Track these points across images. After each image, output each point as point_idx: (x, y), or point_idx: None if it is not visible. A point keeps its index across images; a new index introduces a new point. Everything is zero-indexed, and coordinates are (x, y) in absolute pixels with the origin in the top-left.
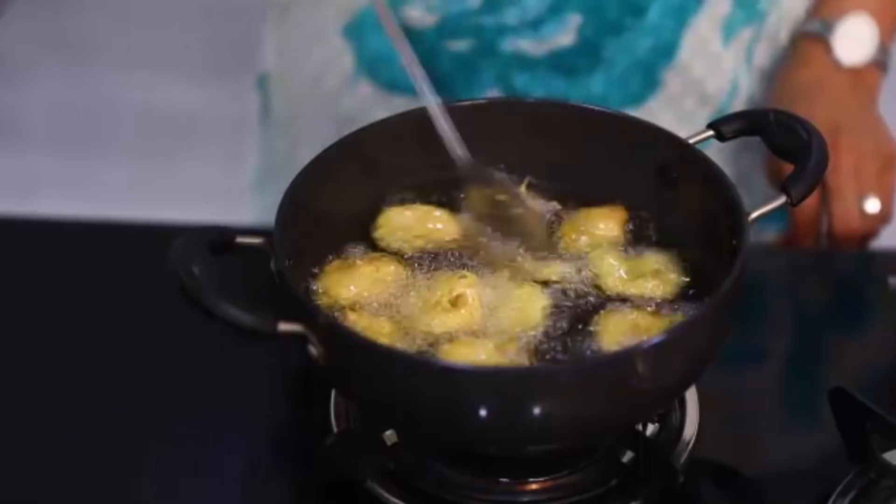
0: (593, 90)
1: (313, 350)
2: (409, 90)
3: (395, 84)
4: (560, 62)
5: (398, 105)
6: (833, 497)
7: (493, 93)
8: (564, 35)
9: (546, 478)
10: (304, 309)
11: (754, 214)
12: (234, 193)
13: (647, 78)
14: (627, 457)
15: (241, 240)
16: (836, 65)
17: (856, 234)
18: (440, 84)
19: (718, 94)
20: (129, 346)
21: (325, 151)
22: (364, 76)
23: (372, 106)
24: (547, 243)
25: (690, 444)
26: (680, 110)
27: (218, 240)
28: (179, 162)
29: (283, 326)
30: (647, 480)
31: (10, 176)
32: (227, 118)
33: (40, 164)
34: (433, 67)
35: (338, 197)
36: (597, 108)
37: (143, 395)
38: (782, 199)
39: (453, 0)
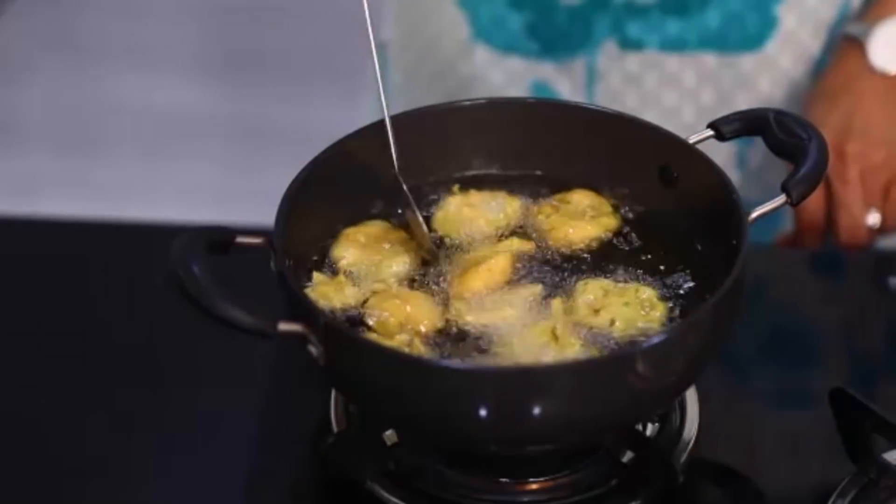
0: (709, 27)
1: (313, 350)
2: (524, 52)
3: (511, 47)
4: (671, 3)
5: (514, 66)
6: (833, 497)
7: (609, 44)
8: None
9: (546, 478)
10: (304, 309)
11: (754, 214)
12: (233, 193)
13: (763, 14)
14: (627, 457)
15: (241, 239)
16: (870, 69)
17: (860, 245)
18: (556, 40)
19: (829, 20)
20: (128, 345)
21: (326, 151)
22: (480, 41)
23: (488, 69)
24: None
25: (690, 444)
26: (798, 48)
27: (218, 239)
28: (179, 162)
29: (283, 326)
30: (647, 480)
31: (10, 176)
32: (226, 118)
33: (40, 163)
34: (549, 24)
35: (338, 196)
36: (597, 107)
37: (143, 395)
38: (782, 199)
39: None
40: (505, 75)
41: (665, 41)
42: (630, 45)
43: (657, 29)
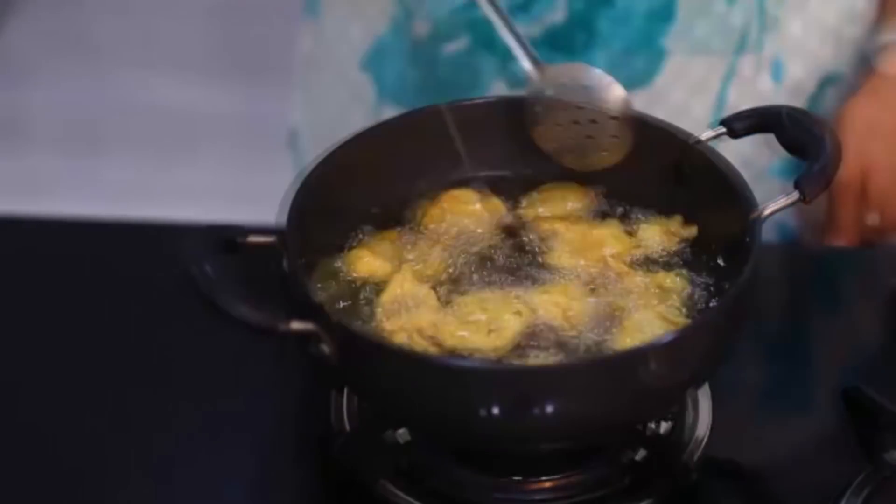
0: (597, 66)
1: (325, 349)
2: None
3: (412, 102)
4: (557, 41)
5: None
6: (846, 495)
7: (498, 86)
8: (555, 11)
9: (559, 475)
10: (317, 308)
11: (767, 212)
12: (242, 193)
13: (650, 50)
14: (640, 455)
15: (253, 238)
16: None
17: (853, 245)
18: (444, 90)
19: (725, 55)
20: (132, 345)
21: (335, 149)
22: (387, 102)
23: None
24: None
25: (703, 443)
26: (689, 80)
27: (230, 238)
28: (185, 162)
29: (297, 325)
30: (659, 478)
31: (16, 175)
32: (232, 118)
33: (46, 163)
34: (435, 76)
35: (350, 193)
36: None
37: (147, 395)
38: (795, 197)
39: (442, 1)
40: None
41: None
42: (519, 83)
43: None
